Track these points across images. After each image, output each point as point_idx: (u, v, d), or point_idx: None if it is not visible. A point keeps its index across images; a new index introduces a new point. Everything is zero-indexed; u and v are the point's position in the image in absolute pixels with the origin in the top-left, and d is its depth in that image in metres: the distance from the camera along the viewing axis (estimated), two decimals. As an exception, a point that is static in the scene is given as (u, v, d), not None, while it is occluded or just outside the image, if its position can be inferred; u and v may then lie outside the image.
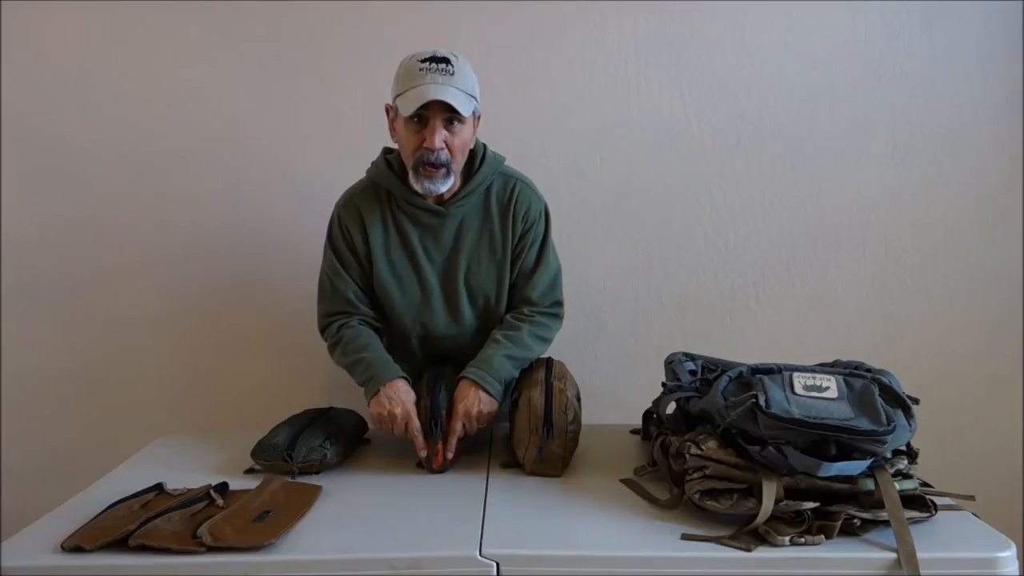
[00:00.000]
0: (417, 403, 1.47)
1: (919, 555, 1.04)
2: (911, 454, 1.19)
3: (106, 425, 2.14)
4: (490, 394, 1.48)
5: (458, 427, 1.44)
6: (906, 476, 1.15)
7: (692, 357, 1.41)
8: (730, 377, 1.23)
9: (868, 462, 1.11)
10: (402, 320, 1.62)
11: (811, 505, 1.11)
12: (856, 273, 2.14)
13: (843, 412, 1.11)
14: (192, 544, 1.10)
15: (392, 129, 1.55)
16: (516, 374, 1.55)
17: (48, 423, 2.15)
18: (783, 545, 1.08)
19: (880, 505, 1.10)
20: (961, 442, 2.12)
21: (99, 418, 2.15)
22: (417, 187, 1.51)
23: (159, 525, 1.13)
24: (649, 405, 1.54)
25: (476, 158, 1.59)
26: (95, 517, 1.19)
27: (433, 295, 1.60)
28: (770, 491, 1.11)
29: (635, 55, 2.08)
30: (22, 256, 2.11)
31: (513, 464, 1.46)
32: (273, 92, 2.08)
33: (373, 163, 1.64)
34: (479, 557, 1.09)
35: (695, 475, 1.18)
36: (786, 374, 1.18)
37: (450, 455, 1.44)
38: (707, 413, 1.24)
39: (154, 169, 2.09)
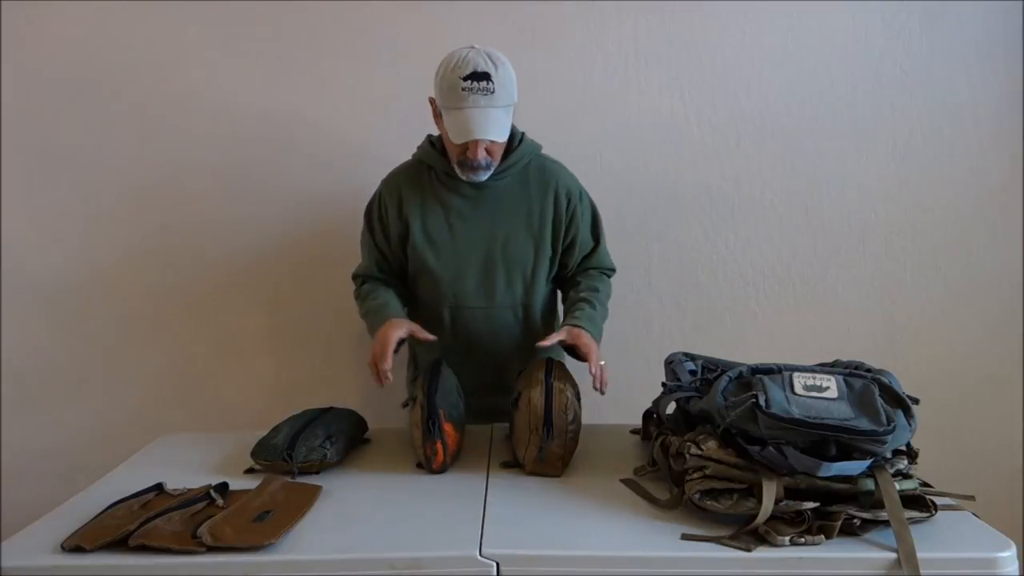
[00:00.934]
0: (413, 402, 1.46)
1: (919, 555, 1.04)
2: (911, 454, 1.19)
3: (106, 425, 2.14)
4: (594, 339, 1.58)
5: (559, 339, 1.56)
6: (906, 476, 1.15)
7: (692, 357, 1.41)
8: (730, 377, 1.23)
9: (868, 462, 1.11)
10: (436, 288, 1.69)
11: (811, 505, 1.11)
12: (856, 273, 2.14)
13: (843, 412, 1.11)
14: (192, 544, 1.10)
15: (436, 119, 1.62)
16: (600, 339, 1.63)
17: (48, 423, 2.15)
18: (783, 545, 1.08)
19: (880, 505, 1.10)
20: (961, 442, 2.12)
21: (99, 418, 2.15)
22: (462, 176, 1.61)
23: (159, 525, 1.13)
24: (649, 405, 1.54)
25: (514, 140, 1.66)
26: (95, 517, 1.19)
27: (467, 264, 1.67)
28: (770, 491, 1.11)
29: (635, 55, 2.08)
30: (22, 256, 2.11)
31: (513, 464, 1.46)
32: (274, 93, 2.08)
33: (419, 146, 1.73)
34: (479, 557, 1.09)
35: (695, 475, 1.18)
36: (786, 374, 1.18)
37: (606, 384, 1.51)
38: (707, 413, 1.24)
39: (154, 169, 2.10)
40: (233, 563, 1.08)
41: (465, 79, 1.47)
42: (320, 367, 2.16)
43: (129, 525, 1.14)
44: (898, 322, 2.15)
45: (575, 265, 1.76)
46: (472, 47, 1.51)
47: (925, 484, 1.17)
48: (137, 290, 2.13)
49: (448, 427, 1.42)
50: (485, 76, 1.47)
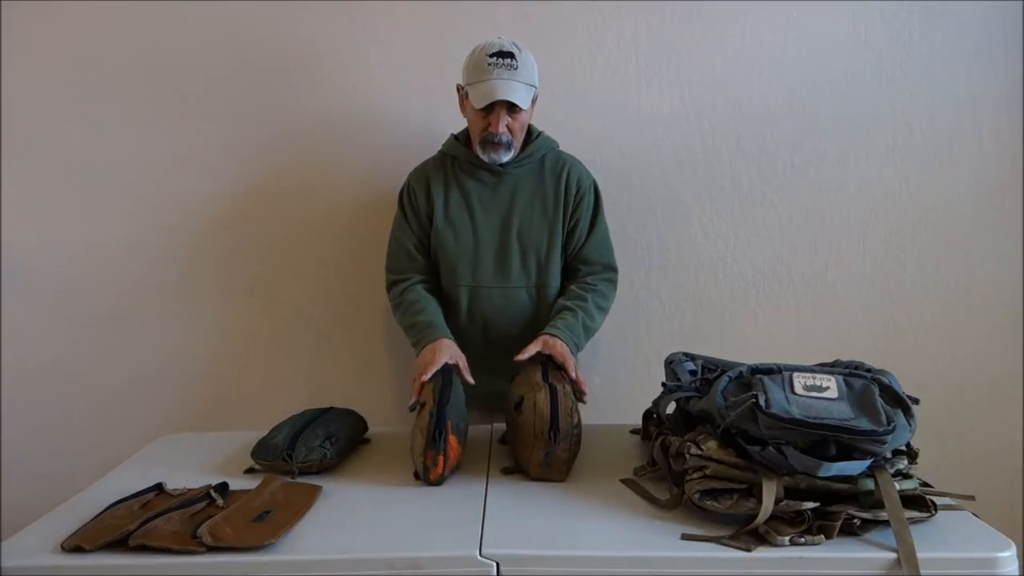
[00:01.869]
0: (421, 407, 1.46)
1: (919, 555, 1.04)
2: (911, 454, 1.19)
3: (106, 425, 2.14)
4: (572, 351, 1.62)
5: (535, 350, 1.59)
6: (906, 476, 1.15)
7: (692, 357, 1.41)
8: (730, 377, 1.23)
9: (868, 462, 1.11)
10: (454, 268, 1.78)
11: (811, 505, 1.11)
12: (856, 273, 2.14)
13: (843, 412, 1.11)
14: (192, 544, 1.10)
15: (462, 106, 1.77)
16: (583, 346, 1.70)
17: (48, 423, 2.15)
18: (783, 545, 1.08)
19: (880, 505, 1.10)
20: (961, 442, 2.12)
21: (99, 418, 2.15)
22: (483, 158, 1.73)
23: (159, 525, 1.13)
24: (649, 405, 1.54)
25: (532, 134, 1.82)
26: (95, 517, 1.19)
27: (485, 245, 1.77)
28: (770, 491, 1.11)
29: (635, 55, 2.08)
30: (22, 256, 2.11)
31: (514, 469, 1.43)
32: (274, 93, 2.08)
33: (443, 143, 1.85)
34: (479, 557, 1.09)
35: (695, 475, 1.18)
36: (786, 374, 1.18)
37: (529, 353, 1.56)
38: (707, 413, 1.24)
39: (154, 169, 2.09)
40: (233, 563, 1.08)
41: (491, 56, 1.64)
42: (320, 367, 2.16)
43: (129, 525, 1.13)
44: (898, 322, 2.15)
45: (574, 252, 1.81)
46: (499, 37, 1.68)
47: (925, 484, 1.17)
48: (137, 290, 2.13)
49: (453, 440, 1.38)
50: (510, 55, 1.65)
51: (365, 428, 1.66)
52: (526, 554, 1.10)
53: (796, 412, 1.10)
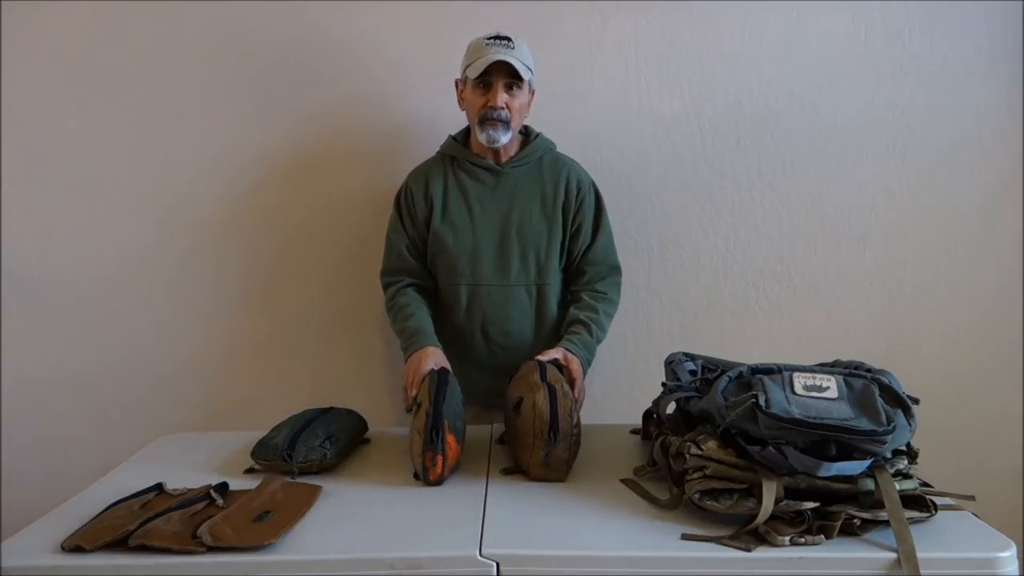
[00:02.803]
0: (418, 407, 1.46)
1: (919, 555, 1.04)
2: (911, 454, 1.19)
3: (106, 425, 2.14)
4: (584, 369, 1.66)
5: (555, 356, 1.62)
6: (906, 476, 1.15)
7: (692, 357, 1.41)
8: (730, 377, 1.23)
9: (868, 462, 1.11)
10: (453, 266, 1.78)
11: (811, 505, 1.11)
12: (856, 273, 2.14)
13: (843, 412, 1.11)
14: (192, 544, 1.10)
15: (460, 100, 1.80)
16: (592, 361, 1.74)
17: (48, 423, 2.15)
18: (783, 545, 1.08)
19: (880, 505, 1.10)
20: (961, 442, 2.11)
21: (99, 418, 2.15)
22: (481, 139, 1.73)
23: (159, 525, 1.13)
24: (649, 405, 1.54)
25: (531, 135, 1.85)
26: (95, 517, 1.19)
27: (484, 243, 1.77)
28: (770, 491, 1.11)
29: (635, 55, 2.08)
30: (22, 256, 2.11)
31: (514, 470, 1.43)
32: (274, 94, 2.08)
33: (441, 144, 1.86)
34: (479, 557, 1.09)
35: (695, 475, 1.18)
36: (786, 374, 1.18)
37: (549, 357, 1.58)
38: (707, 413, 1.24)
39: (154, 169, 2.09)
40: (233, 563, 1.08)
41: (489, 39, 1.70)
42: (321, 367, 2.16)
43: (129, 525, 1.13)
44: (898, 322, 2.14)
45: (579, 255, 1.82)
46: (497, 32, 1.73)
47: (925, 484, 1.17)
48: (137, 290, 2.13)
49: (451, 439, 1.38)
50: (507, 38, 1.70)
51: (365, 428, 1.66)
52: (526, 554, 1.10)
53: (796, 412, 1.10)
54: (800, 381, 1.17)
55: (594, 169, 1.92)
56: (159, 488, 1.31)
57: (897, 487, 1.11)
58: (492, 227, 1.78)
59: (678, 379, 1.36)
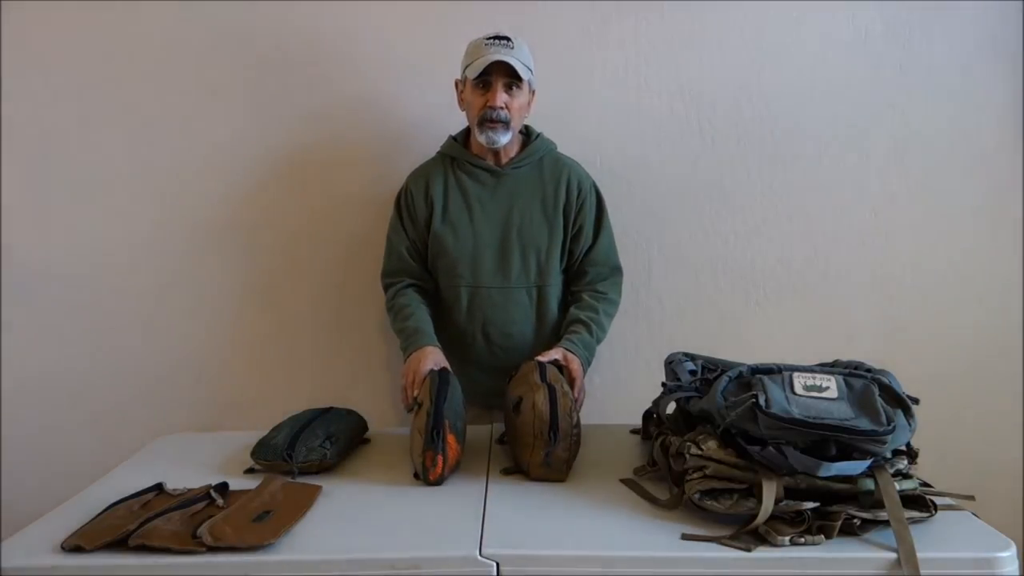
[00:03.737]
0: (419, 407, 1.46)
1: (919, 555, 1.04)
2: (911, 454, 1.19)
3: (106, 425, 2.14)
4: (584, 369, 1.67)
5: (555, 356, 1.62)
6: (906, 476, 1.15)
7: (692, 357, 1.41)
8: (730, 377, 1.23)
9: (868, 462, 1.11)
10: (454, 268, 1.78)
11: (811, 505, 1.11)
12: (856, 273, 2.14)
13: (843, 412, 1.11)
14: (192, 544, 1.10)
15: (460, 100, 1.79)
16: (591, 361, 1.74)
17: (48, 423, 2.15)
18: (783, 545, 1.08)
19: (880, 505, 1.10)
20: (961, 442, 2.11)
21: (99, 418, 2.15)
22: (481, 140, 1.72)
23: (159, 525, 1.13)
24: (649, 405, 1.54)
25: (532, 135, 1.84)
26: (95, 517, 1.19)
27: (485, 244, 1.77)
28: (770, 491, 1.11)
29: (635, 55, 2.08)
30: (22, 256, 2.11)
31: (514, 470, 1.43)
32: (275, 94, 2.07)
33: (441, 145, 1.86)
34: (479, 557, 1.09)
35: (695, 475, 1.18)
36: (786, 374, 1.18)
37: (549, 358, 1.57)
38: (707, 413, 1.24)
39: (154, 169, 2.09)
40: (233, 563, 1.08)
41: (488, 39, 1.69)
42: (321, 367, 2.16)
43: (129, 525, 1.13)
44: (898, 322, 2.14)
45: (581, 256, 1.83)
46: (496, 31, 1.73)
47: (925, 484, 1.17)
48: (137, 290, 2.13)
49: (451, 439, 1.38)
50: (506, 38, 1.69)
51: (365, 428, 1.66)
52: (526, 554, 1.10)
53: (796, 412, 1.11)
54: (800, 381, 1.17)
55: (594, 169, 1.92)
56: (159, 488, 1.31)
57: (897, 487, 1.12)
58: (492, 228, 1.78)
59: (678, 379, 1.36)
